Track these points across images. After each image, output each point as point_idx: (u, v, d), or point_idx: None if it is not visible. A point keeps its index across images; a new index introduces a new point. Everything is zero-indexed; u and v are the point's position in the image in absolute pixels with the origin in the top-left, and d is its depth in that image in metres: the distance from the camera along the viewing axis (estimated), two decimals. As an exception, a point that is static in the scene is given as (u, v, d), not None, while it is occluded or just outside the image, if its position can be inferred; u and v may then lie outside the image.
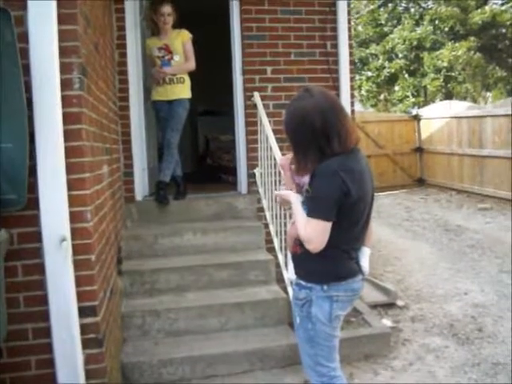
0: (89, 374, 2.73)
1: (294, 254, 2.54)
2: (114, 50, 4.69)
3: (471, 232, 7.96)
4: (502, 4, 17.00)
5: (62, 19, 2.54)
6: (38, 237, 2.57)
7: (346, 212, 2.29)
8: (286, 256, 4.08)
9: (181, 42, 5.11)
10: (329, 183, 2.24)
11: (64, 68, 2.56)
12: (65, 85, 2.57)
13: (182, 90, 5.14)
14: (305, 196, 2.41)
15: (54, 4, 2.49)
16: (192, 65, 5.16)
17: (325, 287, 2.37)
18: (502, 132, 9.97)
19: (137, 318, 3.94)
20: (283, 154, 4.05)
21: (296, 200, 2.45)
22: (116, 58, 4.75)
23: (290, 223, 2.75)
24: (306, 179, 2.42)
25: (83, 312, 2.69)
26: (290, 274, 2.72)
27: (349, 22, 5.27)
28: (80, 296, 2.66)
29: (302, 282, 2.45)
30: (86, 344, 2.71)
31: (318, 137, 2.27)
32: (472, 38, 16.36)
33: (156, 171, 5.51)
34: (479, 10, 16.43)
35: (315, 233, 2.26)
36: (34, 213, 2.56)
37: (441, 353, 4.07)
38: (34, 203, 2.53)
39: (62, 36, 2.55)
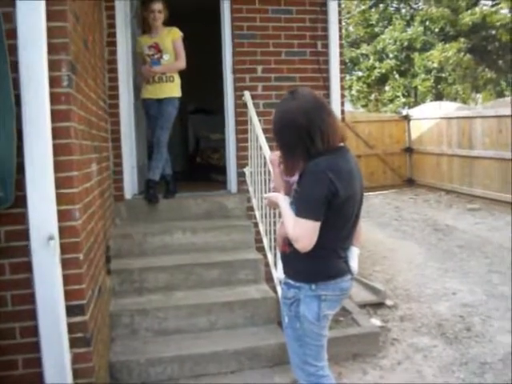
0: (76, 374, 2.71)
1: (283, 254, 2.54)
2: (104, 47, 4.67)
3: (460, 232, 8.01)
4: (492, 5, 17.07)
5: (51, 16, 2.51)
6: (25, 235, 2.55)
7: (335, 211, 2.29)
8: (275, 255, 4.07)
9: (171, 40, 5.10)
10: (317, 183, 2.25)
11: (53, 65, 2.54)
12: (53, 82, 2.54)
13: (172, 89, 5.12)
14: (293, 196, 2.42)
15: (43, 1, 2.47)
16: (182, 64, 5.14)
17: (313, 286, 2.38)
18: (491, 133, 10.03)
19: (125, 317, 3.93)
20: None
21: (283, 201, 2.46)
22: (106, 55, 4.73)
23: (279, 223, 2.75)
24: (295, 178, 2.43)
25: (71, 311, 2.66)
26: (279, 273, 2.72)
27: (340, 22, 5.27)
28: (68, 295, 2.64)
29: (291, 282, 2.46)
30: (73, 343, 2.68)
31: (302, 137, 2.31)
32: (462, 40, 16.42)
33: (146, 169, 5.50)
34: (469, 11, 16.49)
35: (304, 232, 2.26)
36: (22, 211, 2.53)
37: (429, 352, 4.09)
38: (21, 201, 2.51)
39: (51, 33, 2.52)
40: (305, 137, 2.30)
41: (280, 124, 2.40)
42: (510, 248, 6.73)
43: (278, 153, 2.59)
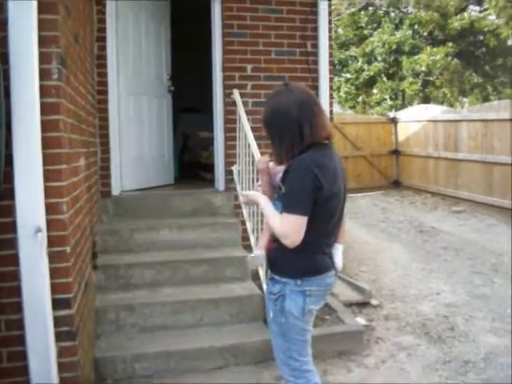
0: (61, 367, 2.70)
1: (268, 250, 2.56)
2: (94, 42, 4.66)
3: (445, 234, 8.07)
4: (481, 11, 17.22)
5: (42, 8, 2.51)
6: (13, 227, 2.54)
7: (320, 207, 2.31)
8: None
9: None
10: (303, 178, 2.28)
11: (43, 58, 2.53)
12: (43, 75, 2.54)
13: None
14: (277, 193, 2.44)
15: (35, -7, 2.46)
16: None
17: (298, 282, 2.39)
18: (477, 136, 10.11)
19: (111, 313, 3.93)
20: (262, 153, 4.07)
21: (264, 200, 2.49)
22: (95, 50, 4.72)
23: (264, 223, 2.77)
24: (278, 178, 2.47)
25: (57, 304, 2.66)
26: (258, 251, 2.74)
27: (329, 23, 5.30)
28: (54, 288, 2.63)
29: (276, 277, 2.47)
30: (59, 337, 2.68)
31: (292, 127, 2.35)
32: (450, 44, 16.53)
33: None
34: (458, 16, 16.61)
35: (292, 227, 2.27)
36: (10, 203, 2.52)
37: (413, 351, 4.12)
38: (9, 193, 2.50)
39: (42, 25, 2.52)
40: (295, 127, 2.34)
41: (273, 113, 2.44)
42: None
43: (266, 159, 2.62)
